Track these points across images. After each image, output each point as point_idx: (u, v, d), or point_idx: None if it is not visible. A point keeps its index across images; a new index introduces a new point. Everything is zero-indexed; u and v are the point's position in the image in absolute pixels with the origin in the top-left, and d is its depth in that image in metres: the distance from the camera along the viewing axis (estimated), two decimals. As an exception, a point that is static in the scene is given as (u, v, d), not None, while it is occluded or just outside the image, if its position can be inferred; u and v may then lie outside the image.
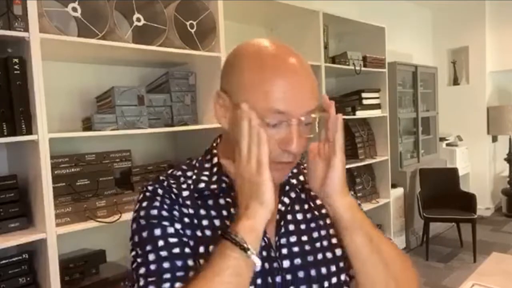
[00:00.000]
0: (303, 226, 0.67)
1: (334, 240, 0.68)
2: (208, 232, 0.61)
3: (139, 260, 0.57)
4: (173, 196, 0.63)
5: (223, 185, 0.65)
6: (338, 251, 0.67)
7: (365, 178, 3.05)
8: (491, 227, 4.23)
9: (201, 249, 0.60)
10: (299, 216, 0.68)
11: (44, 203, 1.29)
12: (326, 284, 0.64)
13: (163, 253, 0.56)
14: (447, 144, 4.54)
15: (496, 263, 1.57)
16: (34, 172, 1.33)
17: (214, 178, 0.65)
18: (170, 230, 0.59)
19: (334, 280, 0.65)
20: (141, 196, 0.64)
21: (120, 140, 1.79)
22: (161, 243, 0.57)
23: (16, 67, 1.27)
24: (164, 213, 0.60)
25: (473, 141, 4.63)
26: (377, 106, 3.09)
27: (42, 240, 1.30)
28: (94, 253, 1.60)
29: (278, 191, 0.68)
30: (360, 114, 2.92)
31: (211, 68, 1.83)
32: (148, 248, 0.57)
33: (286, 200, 0.68)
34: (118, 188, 1.62)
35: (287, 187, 0.69)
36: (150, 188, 0.64)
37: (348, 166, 2.72)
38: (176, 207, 0.62)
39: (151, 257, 0.56)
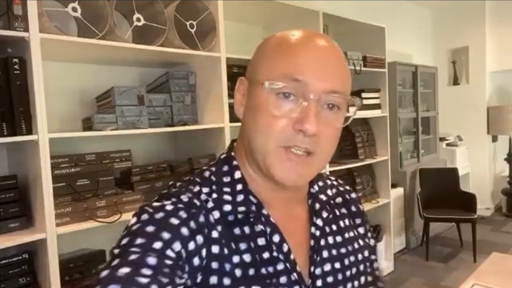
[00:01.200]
0: (334, 252, 0.59)
1: (361, 267, 0.61)
2: (238, 272, 0.50)
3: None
4: (202, 217, 0.50)
5: (253, 207, 0.53)
6: (363, 279, 0.61)
7: (365, 178, 3.05)
8: (491, 227, 4.23)
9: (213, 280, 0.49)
10: (331, 240, 0.60)
11: (44, 203, 1.29)
12: None
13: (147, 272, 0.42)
14: (447, 144, 4.54)
15: (496, 263, 1.57)
16: (34, 172, 1.33)
17: (240, 199, 0.54)
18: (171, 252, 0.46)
19: None
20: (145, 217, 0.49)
21: (120, 140, 1.79)
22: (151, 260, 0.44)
23: (16, 67, 1.27)
24: (185, 230, 0.48)
25: (473, 141, 4.63)
26: (377, 106, 3.09)
27: (42, 240, 1.30)
28: (94, 253, 1.60)
29: (307, 209, 0.60)
30: (360, 114, 2.92)
31: (211, 68, 1.83)
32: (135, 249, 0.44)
33: (320, 222, 0.59)
34: (118, 188, 1.62)
35: (317, 205, 0.60)
36: (168, 207, 0.50)
37: (348, 166, 2.72)
38: (206, 230, 0.50)
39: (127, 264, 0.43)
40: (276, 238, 0.53)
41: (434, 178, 3.75)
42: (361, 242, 0.63)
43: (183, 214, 0.50)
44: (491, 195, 4.72)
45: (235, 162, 0.57)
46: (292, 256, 0.53)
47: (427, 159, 4.07)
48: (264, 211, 0.54)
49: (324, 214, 0.60)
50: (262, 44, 0.57)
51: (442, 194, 3.65)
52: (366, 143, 3.01)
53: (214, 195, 0.54)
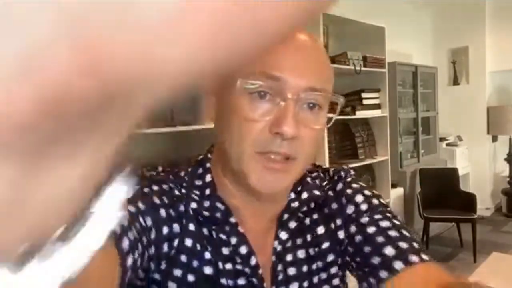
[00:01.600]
0: (305, 268, 0.53)
1: (336, 281, 0.56)
2: (207, 270, 0.49)
3: None
4: (182, 207, 0.49)
5: (217, 214, 0.50)
6: None
7: (365, 178, 3.05)
8: (491, 227, 4.23)
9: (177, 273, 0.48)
10: (301, 254, 0.53)
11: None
12: None
13: None
14: (447, 144, 4.54)
15: (497, 263, 1.57)
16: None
17: (207, 204, 0.50)
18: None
19: None
20: None
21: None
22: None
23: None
24: (163, 212, 0.48)
25: (473, 141, 4.63)
26: (377, 106, 3.09)
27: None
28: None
29: (275, 220, 0.53)
30: (360, 114, 2.92)
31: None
32: None
33: (284, 235, 0.53)
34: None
35: (285, 215, 0.53)
36: (154, 186, 0.50)
37: (348, 166, 2.72)
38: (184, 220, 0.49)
39: None
40: (243, 250, 0.50)
41: (434, 178, 3.75)
42: (330, 258, 0.55)
43: (165, 198, 0.49)
44: (491, 195, 4.72)
45: (208, 165, 0.53)
46: (260, 271, 0.49)
47: (427, 159, 4.07)
48: (232, 219, 0.50)
49: (292, 225, 0.54)
50: None
51: (442, 194, 3.65)
52: (366, 143, 3.01)
53: (184, 191, 0.51)
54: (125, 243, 0.40)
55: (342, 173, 0.61)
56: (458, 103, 4.68)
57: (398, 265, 0.48)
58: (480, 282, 0.42)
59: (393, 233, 0.51)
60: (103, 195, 0.13)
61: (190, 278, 0.48)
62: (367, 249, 0.51)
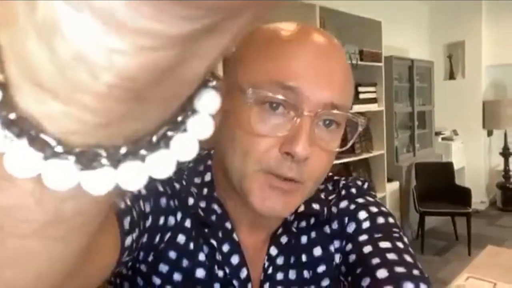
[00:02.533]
0: None
1: None
2: (200, 273, 0.46)
3: None
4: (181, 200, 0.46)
5: (213, 217, 0.46)
6: None
7: (361, 173, 3.06)
8: (486, 220, 4.26)
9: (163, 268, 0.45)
10: (292, 275, 0.48)
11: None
12: None
13: None
14: (443, 139, 4.56)
15: (491, 256, 1.58)
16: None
17: (203, 204, 0.46)
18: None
19: None
20: None
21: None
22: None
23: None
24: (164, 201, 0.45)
25: (469, 135, 4.65)
26: (373, 100, 3.09)
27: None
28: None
29: (269, 236, 0.49)
30: (357, 108, 2.91)
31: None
32: None
33: (274, 251, 0.48)
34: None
35: (280, 230, 0.48)
36: None
37: (344, 161, 2.73)
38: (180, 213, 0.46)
39: None
40: (234, 260, 0.46)
41: (430, 172, 3.77)
42: (324, 283, 0.50)
43: (168, 188, 0.46)
44: (486, 189, 4.75)
45: (209, 162, 0.49)
46: (249, 286, 0.46)
47: (422, 153, 4.08)
48: (228, 225, 0.46)
49: (284, 240, 0.48)
50: (246, 38, 0.43)
51: (437, 188, 3.67)
52: (362, 138, 3.01)
53: (182, 195, 0.46)
54: (127, 222, 0.38)
55: (353, 189, 0.53)
56: (454, 98, 4.69)
57: None
58: None
59: (391, 255, 0.45)
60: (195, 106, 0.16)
61: (177, 277, 0.45)
62: (359, 270, 0.46)
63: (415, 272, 0.43)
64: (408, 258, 0.45)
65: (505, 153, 4.57)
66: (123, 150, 0.14)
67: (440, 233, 3.95)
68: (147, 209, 0.43)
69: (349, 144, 0.45)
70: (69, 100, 0.12)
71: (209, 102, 0.16)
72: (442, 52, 4.83)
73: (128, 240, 0.38)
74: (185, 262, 0.45)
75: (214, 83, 0.16)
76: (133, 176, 0.14)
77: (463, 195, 3.49)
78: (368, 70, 3.02)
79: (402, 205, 3.73)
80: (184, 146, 0.15)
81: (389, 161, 3.41)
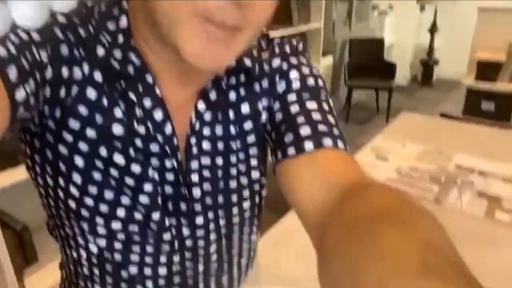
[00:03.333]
0: (220, 145, 0.48)
1: (254, 162, 0.51)
2: (117, 129, 0.43)
3: None
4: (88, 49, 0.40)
5: (130, 69, 0.41)
6: (255, 174, 0.52)
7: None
8: (405, 94, 4.67)
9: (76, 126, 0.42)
10: (219, 131, 0.47)
11: None
12: (235, 210, 0.52)
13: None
14: (379, 13, 4.57)
15: (403, 122, 1.75)
16: None
17: (118, 55, 0.40)
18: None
19: (245, 204, 0.52)
20: None
21: None
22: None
23: None
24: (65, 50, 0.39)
25: (403, 10, 4.71)
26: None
27: None
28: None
29: (195, 92, 0.46)
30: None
31: None
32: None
33: (202, 106, 0.46)
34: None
35: (209, 85, 0.46)
36: (60, 18, 0.40)
37: (280, 34, 2.64)
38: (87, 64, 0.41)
39: None
40: (158, 115, 0.43)
41: (362, 48, 3.87)
42: (250, 138, 0.50)
43: (70, 34, 0.40)
44: (410, 65, 5.07)
45: (125, 5, 0.41)
46: (175, 141, 0.44)
47: (358, 28, 4.11)
48: (149, 78, 0.42)
49: (213, 96, 0.46)
50: None
51: (367, 64, 3.83)
52: (300, 6, 2.88)
53: (89, 43, 0.40)
54: (13, 73, 0.32)
55: (287, 48, 0.51)
56: (395, -31, 4.55)
57: (308, 145, 0.43)
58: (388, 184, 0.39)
59: (316, 115, 0.45)
60: None
61: (91, 133, 0.42)
62: (283, 127, 0.46)
63: (336, 131, 0.45)
64: (331, 119, 0.47)
65: (432, 30, 4.77)
66: None
67: (364, 106, 4.28)
68: (44, 58, 0.37)
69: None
70: None
71: None
72: None
73: (21, 93, 0.33)
74: (99, 119, 0.42)
75: None
76: None
77: (389, 70, 3.71)
78: None
79: (333, 80, 3.89)
80: None
81: (326, 35, 3.39)
